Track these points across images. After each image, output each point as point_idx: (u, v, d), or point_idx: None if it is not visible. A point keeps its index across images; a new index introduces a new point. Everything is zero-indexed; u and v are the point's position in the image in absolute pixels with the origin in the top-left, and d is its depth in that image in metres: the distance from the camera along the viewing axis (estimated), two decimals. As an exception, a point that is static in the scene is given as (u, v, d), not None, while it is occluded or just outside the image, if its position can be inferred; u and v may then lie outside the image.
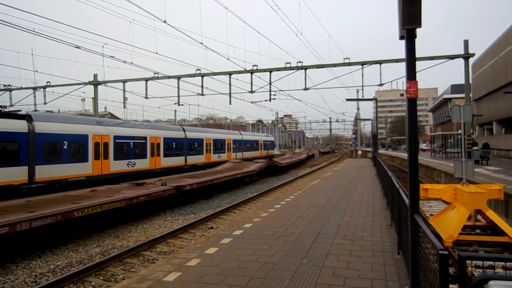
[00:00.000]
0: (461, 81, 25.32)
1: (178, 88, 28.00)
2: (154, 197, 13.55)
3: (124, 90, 29.49)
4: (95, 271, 7.88)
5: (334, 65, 25.68)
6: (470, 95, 26.35)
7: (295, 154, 52.61)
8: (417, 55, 4.39)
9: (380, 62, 24.40)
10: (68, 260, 9.03)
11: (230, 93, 27.55)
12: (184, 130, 28.47)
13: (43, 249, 9.76)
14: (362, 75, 25.17)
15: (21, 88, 32.15)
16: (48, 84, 30.61)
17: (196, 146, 29.66)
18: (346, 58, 24.87)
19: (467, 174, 10.40)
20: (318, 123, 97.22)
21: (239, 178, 23.12)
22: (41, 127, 15.90)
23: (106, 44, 30.99)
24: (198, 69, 26.92)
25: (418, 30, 4.28)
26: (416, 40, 4.32)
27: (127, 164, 21.03)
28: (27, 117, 15.78)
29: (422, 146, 68.32)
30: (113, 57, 22.60)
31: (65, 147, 16.98)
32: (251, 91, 26.81)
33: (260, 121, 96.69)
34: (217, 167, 27.16)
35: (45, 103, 31.43)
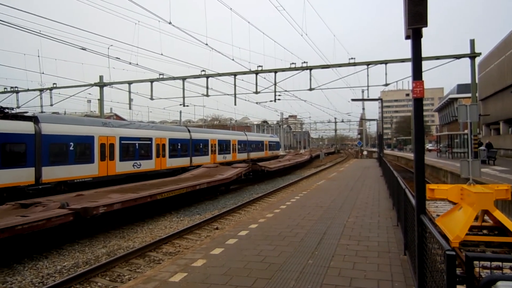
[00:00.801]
0: (467, 80, 25.21)
1: (183, 89, 28.08)
2: (28, 231, 8.69)
3: (129, 92, 29.64)
4: (101, 272, 7.92)
5: (339, 65, 25.63)
6: (477, 94, 26.17)
7: (297, 156, 49.15)
8: (423, 54, 4.37)
9: (385, 62, 24.30)
10: (75, 260, 9.08)
11: (235, 94, 27.61)
12: (189, 131, 28.54)
13: (50, 250, 9.82)
14: (368, 75, 25.06)
15: (28, 90, 32.43)
16: (54, 85, 30.85)
17: (201, 147, 29.72)
18: (351, 58, 24.81)
19: (474, 174, 10.32)
20: (323, 123, 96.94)
21: (205, 189, 17.69)
22: (47, 128, 16.02)
23: (111, 45, 31.11)
24: (203, 70, 26.99)
25: (423, 29, 4.26)
26: (422, 40, 4.30)
27: (133, 165, 21.11)
28: (34, 119, 15.90)
29: (428, 146, 67.90)
30: (119, 58, 22.73)
31: (71, 148, 17.10)
32: (256, 92, 26.82)
33: (265, 121, 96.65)
34: (184, 174, 22.59)
35: (51, 105, 31.68)
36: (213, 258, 6.59)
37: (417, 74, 4.23)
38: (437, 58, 23.41)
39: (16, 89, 32.27)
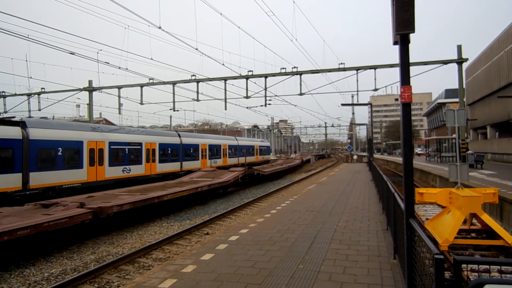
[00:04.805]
0: (455, 85, 25.52)
1: (174, 94, 28.01)
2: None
3: (119, 96, 29.45)
4: (90, 279, 7.80)
5: (329, 70, 25.81)
6: (464, 99, 26.56)
7: (210, 174, 24.00)
8: (412, 60, 4.42)
9: (374, 67, 24.54)
10: (63, 267, 8.94)
11: (225, 99, 27.61)
12: (179, 136, 28.42)
13: (37, 257, 9.65)
14: (357, 80, 25.29)
15: (15, 95, 32.03)
16: (43, 90, 30.51)
17: (191, 151, 29.60)
18: (341, 64, 25.01)
19: (462, 178, 10.42)
20: (313, 128, 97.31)
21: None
22: (35, 133, 15.81)
23: (101, 50, 30.98)
24: (193, 75, 26.95)
25: (413, 37, 4.32)
26: (411, 46, 4.35)
27: (122, 170, 20.92)
28: (21, 124, 15.68)
29: (417, 150, 68.64)
30: (108, 63, 22.62)
31: (59, 153, 16.88)
32: (247, 97, 26.86)
33: (255, 126, 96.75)
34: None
35: (39, 110, 31.31)
36: (203, 264, 6.54)
37: (405, 79, 4.28)
38: (425, 63, 23.72)
39: (3, 93, 31.84)
